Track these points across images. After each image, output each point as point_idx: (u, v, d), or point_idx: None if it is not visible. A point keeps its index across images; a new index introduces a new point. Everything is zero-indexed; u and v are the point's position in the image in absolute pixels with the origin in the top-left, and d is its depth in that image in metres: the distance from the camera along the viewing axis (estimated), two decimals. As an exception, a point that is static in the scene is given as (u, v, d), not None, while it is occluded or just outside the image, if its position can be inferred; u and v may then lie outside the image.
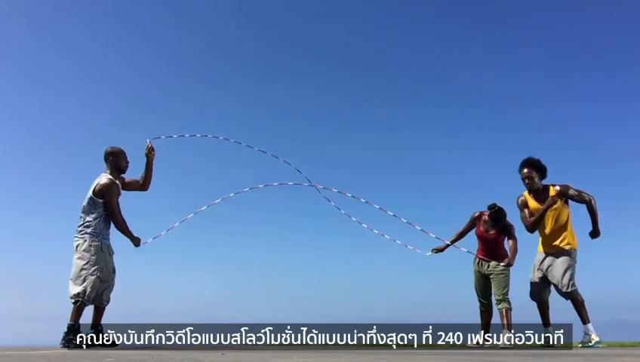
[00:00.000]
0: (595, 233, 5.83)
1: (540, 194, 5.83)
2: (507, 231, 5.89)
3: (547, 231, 5.83)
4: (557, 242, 5.78)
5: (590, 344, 5.56)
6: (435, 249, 6.11)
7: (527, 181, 5.82)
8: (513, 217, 5.97)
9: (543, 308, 5.86)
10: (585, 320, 5.66)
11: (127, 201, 5.46)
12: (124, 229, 5.19)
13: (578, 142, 22.80)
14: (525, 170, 5.82)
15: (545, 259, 5.85)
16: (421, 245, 6.11)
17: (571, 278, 5.67)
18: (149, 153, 5.35)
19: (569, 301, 5.72)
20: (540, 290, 5.88)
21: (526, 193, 5.93)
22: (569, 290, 5.65)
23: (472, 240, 6.17)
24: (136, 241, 5.27)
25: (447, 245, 6.12)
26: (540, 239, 5.96)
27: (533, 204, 5.85)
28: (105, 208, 5.08)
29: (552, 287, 5.86)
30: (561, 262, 5.70)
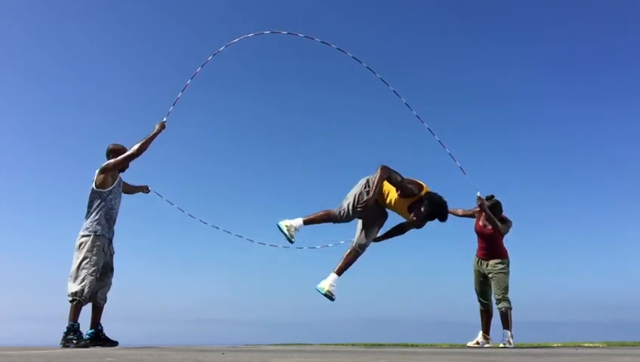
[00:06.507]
0: None
1: None
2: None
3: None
4: None
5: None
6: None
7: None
8: (512, 216, 6.01)
9: None
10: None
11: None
12: (148, 141, 5.10)
13: (578, 142, 22.78)
14: None
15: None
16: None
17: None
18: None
19: None
20: None
21: None
22: None
23: (471, 240, 6.20)
24: (159, 126, 5.16)
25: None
26: None
27: None
28: (106, 199, 5.00)
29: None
30: None
